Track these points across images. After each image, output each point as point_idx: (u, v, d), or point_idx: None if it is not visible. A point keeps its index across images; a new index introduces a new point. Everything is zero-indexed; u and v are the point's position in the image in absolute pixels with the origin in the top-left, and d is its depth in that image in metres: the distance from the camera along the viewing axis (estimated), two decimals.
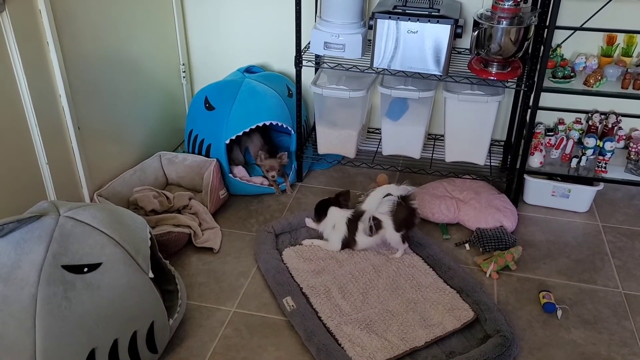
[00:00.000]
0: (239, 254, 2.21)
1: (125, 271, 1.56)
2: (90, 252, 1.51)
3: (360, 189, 2.58)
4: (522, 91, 2.43)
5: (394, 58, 2.28)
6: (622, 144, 2.53)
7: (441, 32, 2.18)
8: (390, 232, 2.08)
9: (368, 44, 2.38)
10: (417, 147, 2.56)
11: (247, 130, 2.46)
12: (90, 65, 2.14)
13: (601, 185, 2.42)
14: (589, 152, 2.41)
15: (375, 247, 2.17)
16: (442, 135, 2.65)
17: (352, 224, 2.13)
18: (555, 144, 2.48)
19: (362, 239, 2.13)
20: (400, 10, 2.21)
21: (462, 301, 1.94)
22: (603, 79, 2.25)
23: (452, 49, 2.30)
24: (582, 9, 2.32)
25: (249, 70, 2.70)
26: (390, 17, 2.20)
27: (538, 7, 2.31)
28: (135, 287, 1.58)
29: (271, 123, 2.49)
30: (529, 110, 2.27)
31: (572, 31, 2.36)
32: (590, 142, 2.39)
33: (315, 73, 2.63)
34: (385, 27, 2.23)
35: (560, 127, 2.58)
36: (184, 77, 2.87)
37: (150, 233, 1.73)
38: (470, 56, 2.42)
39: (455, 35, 2.19)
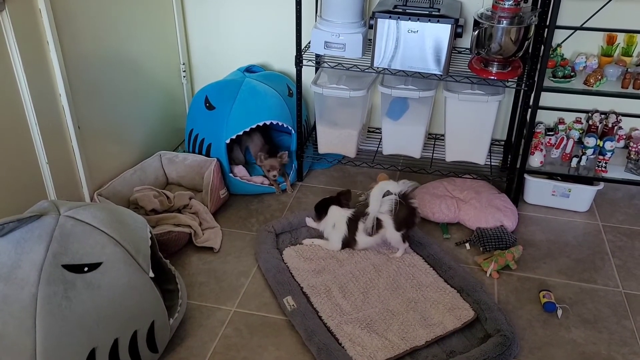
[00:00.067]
0: (239, 253, 2.21)
1: (125, 271, 1.56)
2: (90, 251, 1.51)
3: (361, 188, 2.58)
4: (522, 91, 2.43)
5: (394, 57, 2.28)
6: (622, 143, 2.53)
7: (441, 31, 2.18)
8: (390, 232, 2.08)
9: (368, 44, 2.38)
10: (418, 147, 2.56)
11: (248, 129, 2.46)
12: (90, 65, 2.14)
13: (601, 185, 2.42)
14: (589, 151, 2.41)
15: (375, 246, 2.17)
16: (443, 135, 2.65)
17: (353, 224, 2.13)
18: (555, 144, 2.48)
19: (362, 238, 2.13)
20: (400, 10, 2.21)
21: (462, 300, 1.94)
22: (603, 78, 2.25)
23: (453, 49, 2.30)
24: (582, 8, 2.32)
25: (249, 69, 2.70)
26: (390, 17, 2.20)
27: (538, 6, 2.31)
28: (135, 287, 1.58)
29: (271, 122, 2.49)
30: (529, 110, 2.27)
31: (573, 31, 2.36)
32: (590, 141, 2.39)
33: (316, 72, 2.63)
34: (386, 27, 2.23)
35: (561, 127, 2.58)
36: (184, 76, 2.87)
37: (150, 232, 1.73)
38: (470, 56, 2.42)
39: (456, 34, 2.20)
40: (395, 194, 2.05)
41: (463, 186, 2.48)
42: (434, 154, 2.73)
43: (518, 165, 2.41)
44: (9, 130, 1.83)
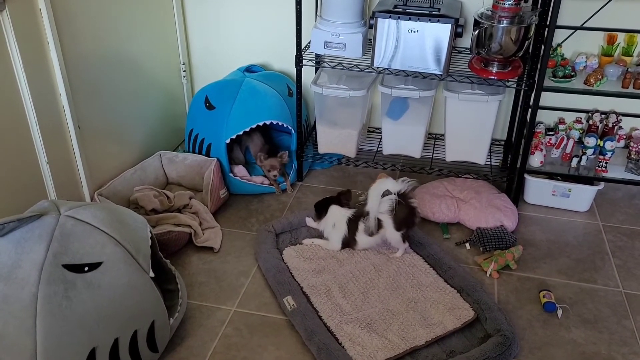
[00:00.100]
0: (239, 253, 2.21)
1: (125, 270, 1.56)
2: (90, 251, 1.51)
3: (361, 188, 2.58)
4: (522, 90, 2.43)
5: (394, 57, 2.28)
6: (622, 143, 2.53)
7: (442, 31, 2.18)
8: (390, 232, 2.08)
9: (368, 43, 2.38)
10: (418, 147, 2.56)
11: (248, 129, 2.46)
12: (90, 65, 2.14)
13: (601, 185, 2.42)
14: (590, 151, 2.41)
15: (375, 246, 2.17)
16: (443, 135, 2.65)
17: (353, 224, 2.13)
18: (555, 144, 2.48)
19: (362, 238, 2.13)
20: (400, 10, 2.21)
21: (462, 300, 1.94)
22: (603, 78, 2.24)
23: (453, 48, 2.30)
24: (582, 8, 2.32)
25: (249, 69, 2.70)
26: (390, 17, 2.20)
27: (538, 6, 2.31)
28: (135, 287, 1.58)
29: (271, 122, 2.49)
30: (530, 110, 2.27)
31: (573, 30, 2.36)
32: (590, 141, 2.39)
33: (316, 72, 2.63)
34: (386, 27, 2.23)
35: (561, 127, 2.58)
36: (184, 76, 2.87)
37: (150, 232, 1.73)
38: (470, 55, 2.42)
39: (456, 34, 2.20)
40: (394, 194, 2.05)
41: (463, 186, 2.48)
42: (434, 154, 2.73)
43: (518, 165, 2.41)
44: (9, 130, 1.83)
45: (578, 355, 1.80)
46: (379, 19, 2.22)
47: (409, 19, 2.19)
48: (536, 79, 2.20)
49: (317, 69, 2.65)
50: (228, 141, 2.45)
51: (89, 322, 1.48)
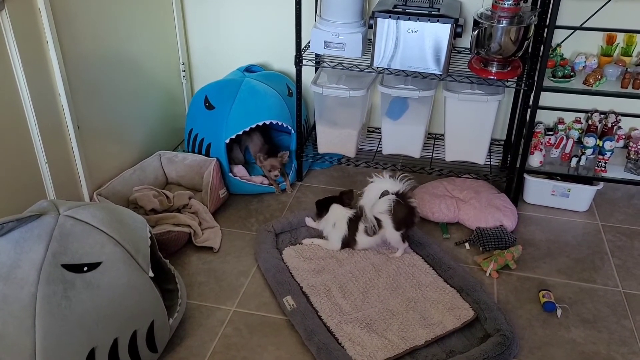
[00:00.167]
0: (239, 253, 2.21)
1: (125, 270, 1.56)
2: (90, 251, 1.51)
3: (361, 188, 2.57)
4: (522, 90, 2.43)
5: (394, 57, 2.28)
6: (621, 143, 2.53)
7: (441, 31, 2.18)
8: (390, 231, 2.08)
9: (368, 43, 2.38)
10: (417, 147, 2.56)
11: (247, 129, 2.46)
12: (90, 65, 2.14)
13: (601, 185, 2.42)
14: (589, 151, 2.41)
15: (375, 246, 2.17)
16: (442, 135, 2.65)
17: (353, 224, 2.13)
18: (555, 144, 2.48)
19: (362, 238, 2.13)
20: (400, 10, 2.21)
21: (462, 300, 1.94)
22: (603, 78, 2.25)
23: (452, 48, 2.30)
24: (582, 8, 2.32)
25: (249, 69, 2.70)
26: (390, 17, 2.20)
27: (538, 6, 2.31)
28: (135, 287, 1.58)
29: (271, 122, 2.49)
30: (529, 110, 2.27)
31: (572, 31, 2.36)
32: (589, 141, 2.39)
33: (316, 72, 2.63)
34: (386, 27, 2.23)
35: (560, 127, 2.58)
36: (183, 76, 2.87)
37: (150, 232, 1.73)
38: (470, 55, 2.42)
39: (455, 34, 2.20)
40: (392, 193, 2.05)
41: (463, 186, 2.48)
42: (434, 154, 2.73)
43: (518, 165, 2.41)
44: (8, 130, 1.83)
45: (577, 355, 1.80)
46: (378, 19, 2.22)
47: (409, 19, 2.19)
48: (535, 79, 2.20)
49: (316, 69, 2.65)
50: (228, 141, 2.45)
51: (88, 322, 1.48)
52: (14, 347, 1.41)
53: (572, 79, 2.26)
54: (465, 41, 2.48)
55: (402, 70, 2.32)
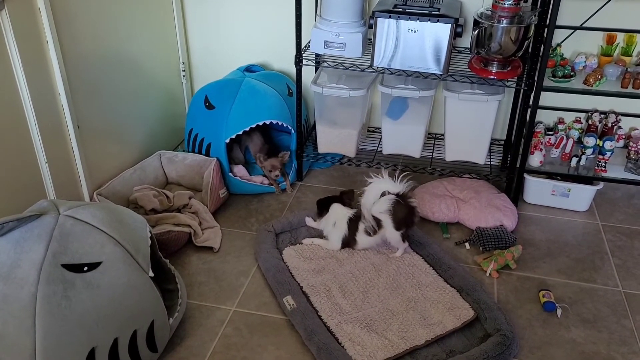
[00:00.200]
0: (239, 253, 2.21)
1: (125, 270, 1.56)
2: (90, 251, 1.51)
3: (361, 188, 2.57)
4: (522, 90, 2.43)
5: (394, 57, 2.28)
6: (621, 143, 2.53)
7: (441, 31, 2.18)
8: (390, 231, 2.08)
9: (368, 43, 2.38)
10: (417, 146, 2.56)
11: (247, 129, 2.46)
12: (90, 65, 2.14)
13: (601, 185, 2.42)
14: (589, 151, 2.41)
15: (375, 246, 2.17)
16: (442, 135, 2.65)
17: (353, 224, 2.13)
18: (555, 143, 2.48)
19: (362, 238, 2.13)
20: (400, 9, 2.21)
21: (462, 300, 1.94)
22: (603, 78, 2.25)
23: (452, 48, 2.30)
24: (582, 8, 2.32)
25: (249, 69, 2.69)
26: (390, 16, 2.20)
27: (538, 6, 2.31)
28: (135, 286, 1.58)
29: (271, 122, 2.49)
30: (529, 110, 2.27)
31: (572, 30, 2.36)
32: (590, 141, 2.39)
33: (316, 72, 2.63)
34: (386, 26, 2.23)
35: (560, 127, 2.58)
36: (184, 76, 2.87)
37: (150, 232, 1.73)
38: (470, 55, 2.42)
39: (456, 34, 2.20)
40: (392, 194, 2.05)
41: (463, 186, 2.48)
42: (434, 154, 2.73)
43: (518, 165, 2.41)
44: (8, 129, 1.83)
45: (577, 355, 1.80)
46: (378, 19, 2.22)
47: (409, 18, 2.19)
48: (536, 78, 2.20)
49: (316, 69, 2.65)
50: (228, 141, 2.45)
51: (88, 321, 1.48)
52: (14, 347, 1.41)
53: (572, 78, 2.26)
54: (466, 41, 2.48)
55: (402, 70, 2.32)
